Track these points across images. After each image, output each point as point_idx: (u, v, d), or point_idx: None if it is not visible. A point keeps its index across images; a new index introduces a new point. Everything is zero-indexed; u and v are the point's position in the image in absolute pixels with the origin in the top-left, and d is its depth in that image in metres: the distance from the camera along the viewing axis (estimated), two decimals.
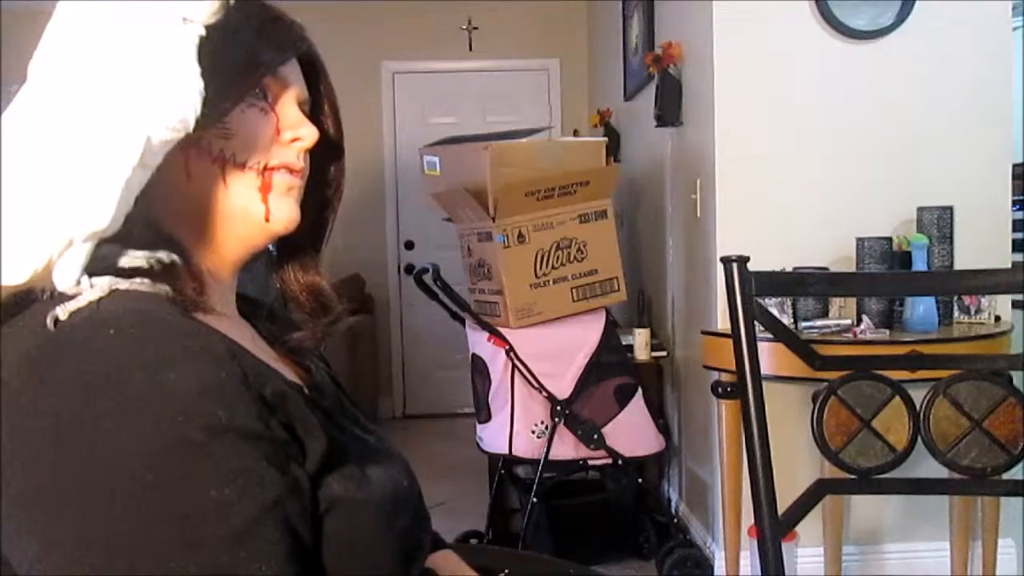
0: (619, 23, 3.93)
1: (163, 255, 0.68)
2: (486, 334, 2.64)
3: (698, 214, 2.72)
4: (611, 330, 2.77)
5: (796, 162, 2.54)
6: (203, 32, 0.63)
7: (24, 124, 0.60)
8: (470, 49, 5.15)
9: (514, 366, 2.63)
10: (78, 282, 0.63)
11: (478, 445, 2.83)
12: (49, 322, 0.61)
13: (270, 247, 0.81)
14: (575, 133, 4.93)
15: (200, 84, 0.63)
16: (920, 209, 2.36)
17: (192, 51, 0.63)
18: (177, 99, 0.62)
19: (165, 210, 0.71)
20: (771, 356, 1.86)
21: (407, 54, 5.12)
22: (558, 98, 5.23)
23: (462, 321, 2.84)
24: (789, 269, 2.32)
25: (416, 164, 2.96)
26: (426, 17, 5.05)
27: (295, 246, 0.85)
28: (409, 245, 5.18)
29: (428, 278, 2.65)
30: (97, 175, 0.60)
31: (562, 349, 2.67)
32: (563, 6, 5.13)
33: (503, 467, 2.85)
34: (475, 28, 5.14)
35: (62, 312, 0.62)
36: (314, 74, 0.82)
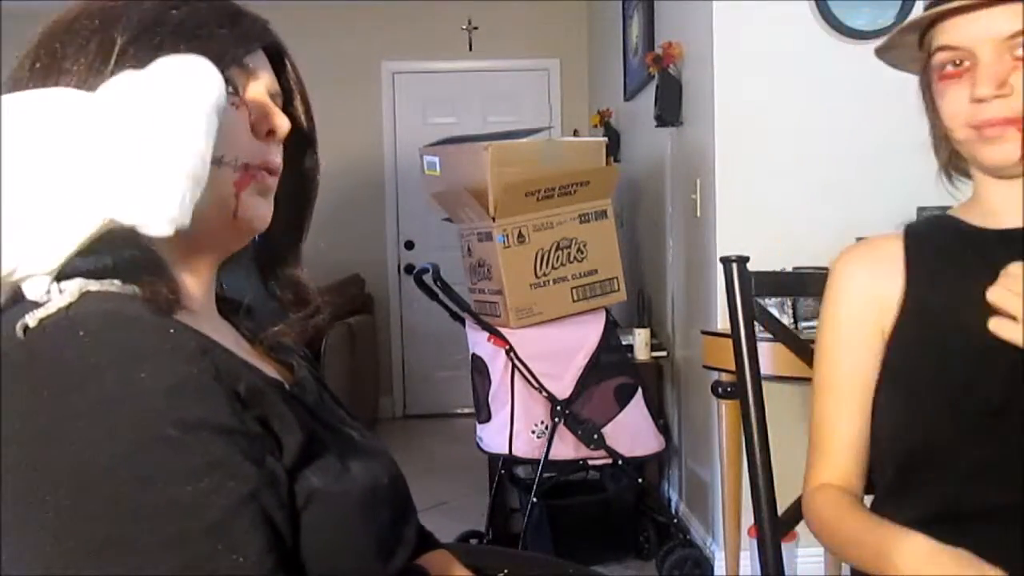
0: (619, 23, 3.93)
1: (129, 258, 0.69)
2: (486, 334, 2.64)
3: (698, 214, 2.72)
4: (611, 330, 2.77)
5: (796, 162, 2.54)
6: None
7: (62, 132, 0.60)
8: (470, 49, 5.15)
9: (514, 366, 2.63)
10: (47, 291, 0.64)
11: (478, 445, 2.83)
12: (18, 330, 0.62)
13: (255, 239, 0.80)
14: (575, 133, 4.93)
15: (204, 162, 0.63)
16: (920, 209, 2.36)
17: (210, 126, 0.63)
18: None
19: None
20: (771, 356, 1.86)
21: (407, 54, 5.12)
22: (558, 98, 5.23)
23: (462, 321, 2.84)
24: (789, 269, 2.32)
25: (416, 164, 2.96)
26: (426, 17, 5.05)
27: (274, 240, 0.85)
28: (409, 245, 5.18)
29: (428, 278, 2.65)
30: (56, 231, 0.61)
31: (562, 349, 2.67)
32: (563, 6, 5.13)
33: (503, 467, 2.85)
34: (475, 28, 5.14)
35: (31, 320, 0.62)
36: (282, 67, 0.82)
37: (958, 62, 0.93)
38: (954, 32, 0.93)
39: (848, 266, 1.06)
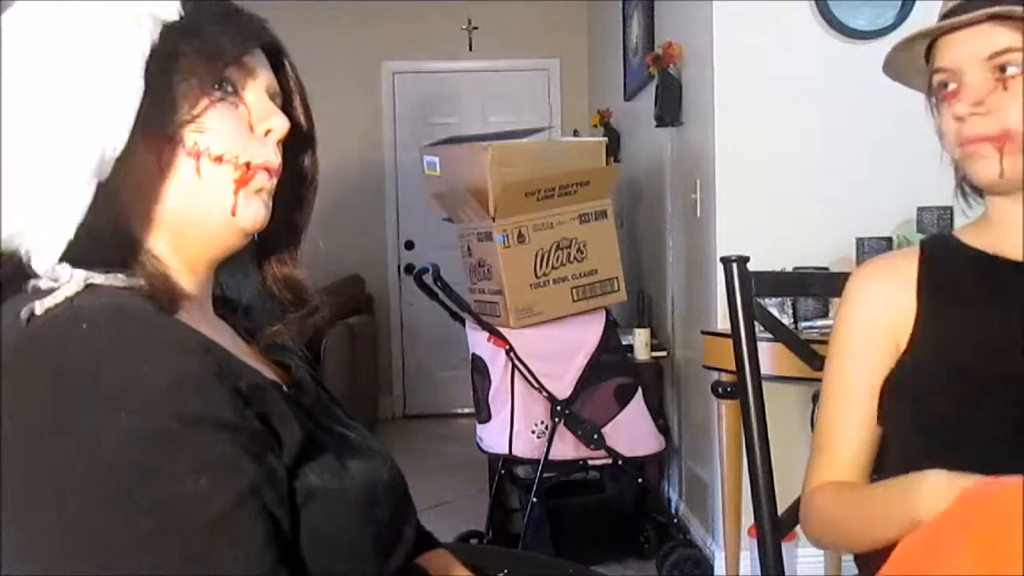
0: (619, 23, 3.93)
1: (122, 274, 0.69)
2: (486, 334, 2.64)
3: (698, 214, 2.72)
4: (611, 330, 2.77)
5: (796, 162, 2.54)
6: (155, 38, 0.64)
7: None
8: (470, 49, 5.15)
9: (514, 366, 2.63)
10: (55, 279, 0.64)
11: (478, 445, 2.83)
12: (24, 316, 0.62)
13: (254, 238, 0.80)
14: (575, 133, 4.93)
15: (135, 98, 0.64)
16: (920, 209, 2.36)
17: (139, 59, 0.64)
18: (114, 115, 0.63)
19: (137, 209, 0.71)
20: (771, 356, 1.86)
21: (407, 54, 5.12)
22: (558, 98, 5.23)
23: (462, 321, 2.84)
24: (789, 269, 2.32)
25: (416, 164, 2.96)
26: (426, 17, 5.05)
27: (273, 239, 0.85)
28: (409, 245, 5.18)
29: (428, 278, 2.65)
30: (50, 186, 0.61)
31: (562, 349, 2.67)
32: (563, 6, 5.13)
33: (503, 467, 2.85)
34: (475, 28, 5.14)
35: (39, 307, 0.62)
36: (281, 66, 0.82)
37: (950, 83, 0.96)
38: (945, 53, 0.96)
39: (867, 279, 1.08)
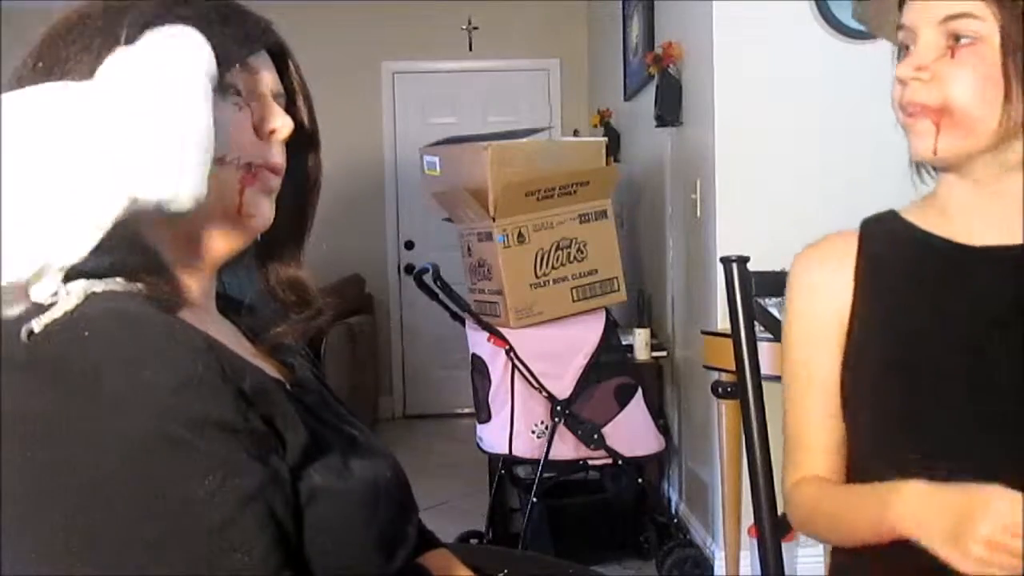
0: (619, 23, 3.93)
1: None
2: (486, 334, 2.64)
3: (698, 214, 2.72)
4: (611, 330, 2.77)
5: (796, 162, 2.53)
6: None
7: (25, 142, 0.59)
8: (470, 49, 5.15)
9: (514, 366, 2.63)
10: (55, 292, 0.63)
11: (478, 445, 2.83)
12: (24, 334, 0.61)
13: (256, 239, 0.80)
14: (575, 133, 4.92)
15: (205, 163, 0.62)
16: None
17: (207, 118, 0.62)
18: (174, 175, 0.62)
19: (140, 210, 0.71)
20: (771, 356, 1.85)
21: (407, 54, 5.12)
22: (558, 98, 5.23)
23: (462, 321, 2.84)
24: (789, 269, 2.31)
25: (416, 164, 2.96)
26: (426, 17, 5.05)
27: (276, 241, 0.85)
28: (409, 245, 5.18)
29: (428, 278, 2.65)
30: (81, 218, 0.60)
31: (562, 349, 2.67)
32: (563, 6, 5.13)
33: (503, 467, 2.85)
34: (475, 28, 5.14)
35: (37, 325, 0.62)
36: (285, 67, 0.82)
37: (910, 43, 0.92)
38: (907, 11, 0.92)
39: (803, 266, 1.06)
